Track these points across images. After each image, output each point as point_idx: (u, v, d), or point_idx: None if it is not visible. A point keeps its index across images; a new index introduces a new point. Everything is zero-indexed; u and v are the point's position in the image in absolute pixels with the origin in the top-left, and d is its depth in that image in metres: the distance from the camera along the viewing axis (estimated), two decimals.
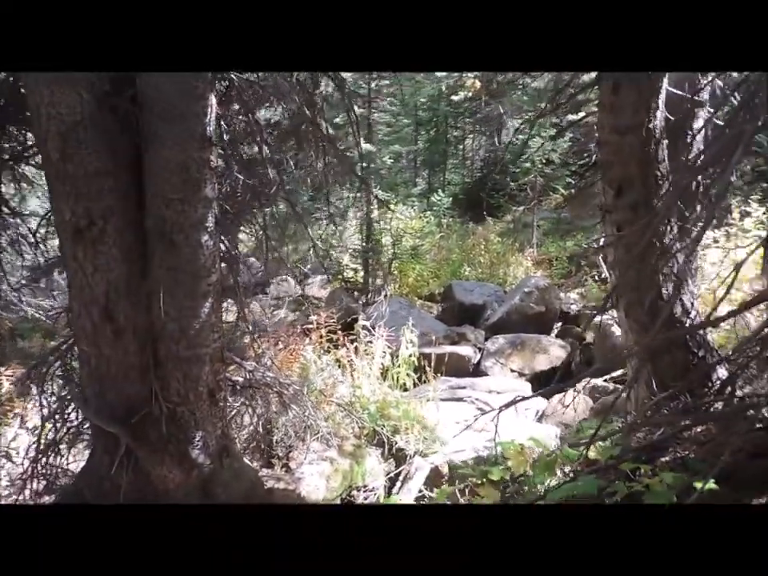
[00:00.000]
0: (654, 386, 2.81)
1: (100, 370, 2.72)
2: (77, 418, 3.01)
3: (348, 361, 4.53)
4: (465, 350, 6.83)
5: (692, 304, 2.84)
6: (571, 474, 2.26)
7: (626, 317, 2.91)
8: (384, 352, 4.94)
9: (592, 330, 7.10)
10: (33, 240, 3.06)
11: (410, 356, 5.15)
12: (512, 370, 6.71)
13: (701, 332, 2.82)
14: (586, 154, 12.40)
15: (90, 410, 2.73)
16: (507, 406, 2.67)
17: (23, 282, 3.84)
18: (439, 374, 5.58)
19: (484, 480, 2.36)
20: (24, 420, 5.85)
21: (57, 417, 3.03)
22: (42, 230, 3.36)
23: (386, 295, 9.65)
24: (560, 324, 8.23)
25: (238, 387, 3.22)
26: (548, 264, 11.04)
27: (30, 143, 2.80)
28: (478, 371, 6.74)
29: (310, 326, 4.70)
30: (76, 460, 3.21)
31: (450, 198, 12.01)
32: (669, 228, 2.79)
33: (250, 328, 3.29)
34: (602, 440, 2.40)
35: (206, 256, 2.63)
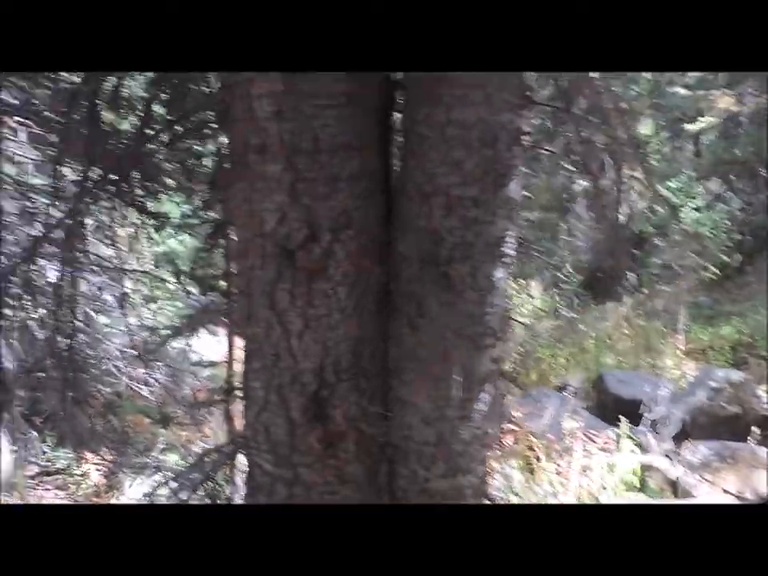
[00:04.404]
0: None
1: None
2: None
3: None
4: (659, 461, 5.28)
5: None
6: None
7: None
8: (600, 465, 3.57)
9: None
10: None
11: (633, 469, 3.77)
12: (725, 491, 5.09)
13: None
14: None
15: None
16: None
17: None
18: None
19: None
20: None
21: None
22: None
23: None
24: (758, 430, 6.55)
25: None
26: (701, 353, 9.40)
27: None
28: (677, 489, 5.15)
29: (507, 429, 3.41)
30: None
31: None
32: None
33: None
34: None
35: (494, 306, 1.45)
